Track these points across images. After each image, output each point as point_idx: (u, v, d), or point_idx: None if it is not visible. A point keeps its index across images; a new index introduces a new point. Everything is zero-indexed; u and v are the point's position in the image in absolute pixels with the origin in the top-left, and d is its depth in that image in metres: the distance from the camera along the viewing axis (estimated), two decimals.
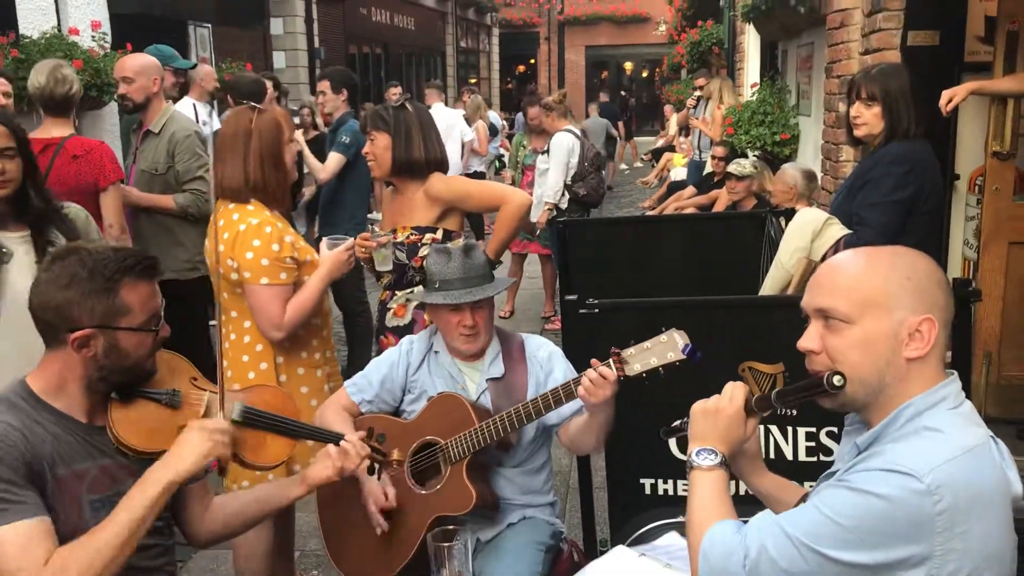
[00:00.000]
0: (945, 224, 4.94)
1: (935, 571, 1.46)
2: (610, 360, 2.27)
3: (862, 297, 1.59)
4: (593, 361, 2.30)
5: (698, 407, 1.83)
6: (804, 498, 1.87)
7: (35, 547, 1.73)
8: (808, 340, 1.65)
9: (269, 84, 6.71)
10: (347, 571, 2.65)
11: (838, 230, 3.50)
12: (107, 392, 1.97)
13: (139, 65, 4.52)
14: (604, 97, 20.23)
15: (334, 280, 3.02)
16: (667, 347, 2.21)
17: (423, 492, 2.54)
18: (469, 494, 2.46)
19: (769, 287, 4.13)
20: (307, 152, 5.63)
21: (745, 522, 1.63)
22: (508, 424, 2.44)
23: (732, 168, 6.38)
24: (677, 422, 1.99)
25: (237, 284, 2.87)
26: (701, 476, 1.74)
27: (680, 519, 2.40)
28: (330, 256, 2.98)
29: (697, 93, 9.86)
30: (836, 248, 3.46)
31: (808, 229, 4.03)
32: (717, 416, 1.79)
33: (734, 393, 1.81)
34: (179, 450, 1.89)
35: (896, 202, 3.38)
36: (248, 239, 2.81)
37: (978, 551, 1.47)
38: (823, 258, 3.90)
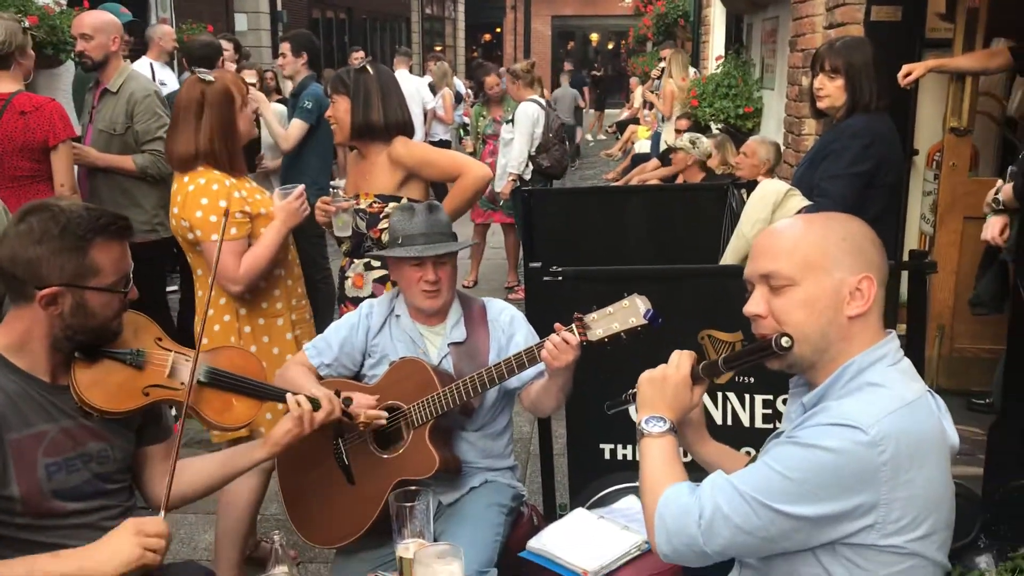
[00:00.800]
0: (903, 198, 5.02)
1: (881, 518, 1.53)
2: (573, 325, 2.29)
3: (802, 259, 1.65)
4: (556, 326, 2.32)
5: (645, 376, 1.86)
6: (753, 460, 1.92)
7: None
8: (754, 305, 1.71)
9: (230, 46, 6.61)
10: (311, 537, 2.64)
11: (799, 201, 3.55)
12: (71, 351, 1.95)
13: (98, 22, 4.43)
14: (569, 66, 20.18)
15: (291, 229, 3.02)
16: (629, 312, 2.23)
17: (386, 456, 2.54)
18: (432, 458, 2.47)
19: (730, 257, 4.19)
20: (271, 119, 5.53)
21: (698, 484, 1.67)
22: (471, 388, 2.45)
23: (679, 143, 6.52)
24: (622, 396, 2.03)
25: (194, 243, 2.95)
26: (651, 443, 1.77)
27: (638, 484, 2.44)
28: (281, 206, 3.00)
29: (662, 64, 9.89)
30: None
31: (769, 200, 4.08)
32: (664, 383, 1.82)
33: (680, 361, 1.84)
34: (104, 550, 1.79)
35: (856, 175, 3.42)
36: (196, 198, 2.88)
37: (921, 497, 1.55)
38: None
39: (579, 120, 16.68)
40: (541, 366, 2.43)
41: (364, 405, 2.49)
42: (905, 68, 3.96)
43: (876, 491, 1.51)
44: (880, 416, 1.52)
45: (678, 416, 1.82)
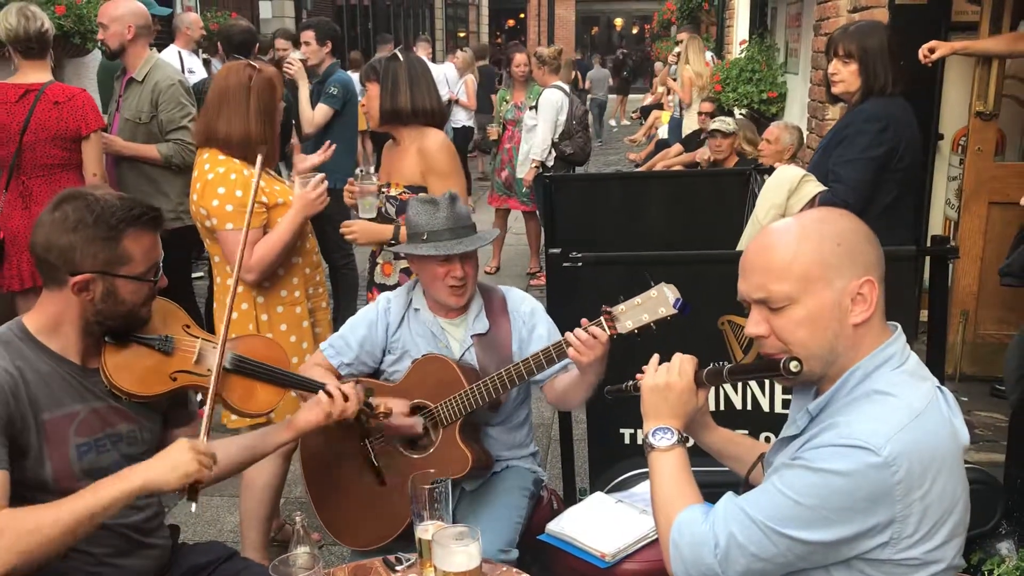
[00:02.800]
0: (928, 183, 4.98)
1: (897, 534, 1.50)
2: (601, 319, 2.24)
3: (799, 274, 1.56)
4: (583, 320, 2.28)
5: (648, 384, 1.81)
6: (760, 458, 1.91)
7: None
8: (754, 326, 1.64)
9: (288, 44, 6.63)
10: (345, 540, 2.64)
11: (814, 187, 3.54)
12: (102, 335, 2.00)
13: (114, 12, 4.47)
14: (597, 60, 20.57)
15: (306, 218, 3.04)
16: (658, 302, 2.19)
17: (416, 456, 2.53)
18: (465, 457, 2.46)
19: (746, 243, 4.18)
20: (304, 100, 5.53)
21: (713, 500, 1.65)
22: (500, 385, 2.42)
23: (717, 125, 6.36)
24: (623, 384, 2.00)
25: (211, 231, 2.99)
26: (660, 457, 1.74)
27: None
28: (299, 195, 3.03)
29: (677, 49, 9.81)
30: (812, 204, 3.50)
31: (784, 186, 4.07)
32: (668, 391, 1.78)
33: (683, 367, 1.80)
34: (165, 462, 1.85)
35: (870, 159, 3.40)
36: (214, 187, 2.92)
37: (937, 505, 1.52)
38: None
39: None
40: (567, 359, 2.43)
41: (399, 413, 2.48)
42: (929, 44, 3.92)
43: (891, 509, 1.48)
44: (891, 434, 1.47)
45: (684, 423, 1.79)
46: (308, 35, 5.87)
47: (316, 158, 3.52)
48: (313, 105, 5.77)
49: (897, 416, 1.50)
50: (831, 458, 1.49)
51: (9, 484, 1.77)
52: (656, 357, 1.87)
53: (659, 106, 13.91)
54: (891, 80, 3.43)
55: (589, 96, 17.38)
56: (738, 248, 4.28)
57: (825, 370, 1.61)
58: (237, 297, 3.03)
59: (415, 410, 2.55)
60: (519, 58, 7.42)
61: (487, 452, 2.60)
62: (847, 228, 1.62)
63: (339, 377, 2.64)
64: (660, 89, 10.21)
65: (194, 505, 1.94)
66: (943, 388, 1.64)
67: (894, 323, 1.66)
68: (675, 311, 2.18)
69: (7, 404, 1.81)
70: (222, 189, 2.91)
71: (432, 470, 2.43)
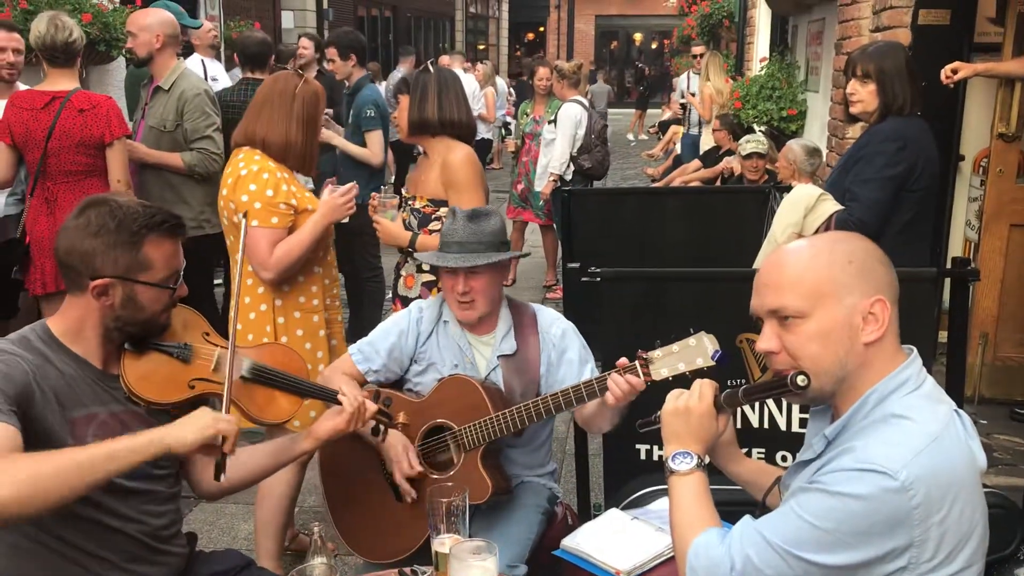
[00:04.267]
0: (948, 205, 4.96)
1: (915, 559, 1.49)
2: (636, 364, 2.23)
3: (810, 289, 1.58)
4: (620, 362, 2.26)
5: (669, 408, 1.82)
6: (777, 481, 1.91)
7: None
8: (765, 341, 1.65)
9: (311, 44, 6.64)
10: (360, 551, 2.64)
11: (831, 206, 3.53)
12: (122, 342, 2.02)
13: (143, 21, 4.52)
14: (602, 75, 20.90)
15: (330, 223, 3.06)
16: (696, 352, 2.17)
17: (436, 477, 2.52)
18: (486, 485, 2.45)
19: (762, 260, 4.18)
20: (352, 147, 5.48)
21: (728, 529, 1.64)
22: (527, 417, 2.41)
23: (754, 147, 6.31)
24: (652, 416, 1.98)
25: (236, 226, 3.00)
26: (679, 482, 1.74)
27: None
28: (325, 200, 3.06)
29: (694, 62, 9.80)
30: (828, 224, 3.49)
31: (801, 205, 4.06)
32: (688, 416, 1.78)
33: (703, 391, 1.80)
34: (186, 423, 1.87)
35: (887, 179, 3.39)
36: (246, 183, 2.96)
37: (954, 533, 1.51)
38: (816, 234, 3.95)
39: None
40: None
41: (404, 452, 2.50)
42: (952, 65, 3.91)
43: (909, 534, 1.47)
44: (908, 459, 1.47)
45: (705, 448, 1.79)
46: (331, 52, 5.87)
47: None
48: (346, 117, 5.76)
49: (914, 440, 1.50)
50: (848, 482, 1.49)
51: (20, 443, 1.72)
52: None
53: (677, 121, 13.91)
54: (909, 100, 3.42)
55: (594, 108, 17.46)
56: (755, 266, 4.29)
57: (835, 387, 1.61)
58: (255, 299, 3.07)
59: (437, 429, 2.54)
60: (542, 72, 7.43)
61: (507, 478, 2.59)
62: (859, 248, 1.63)
63: (363, 383, 2.66)
64: (677, 104, 10.18)
65: (222, 476, 1.97)
66: (960, 411, 1.63)
67: (909, 346, 1.66)
68: (712, 363, 2.15)
69: (30, 384, 1.83)
70: (253, 186, 2.94)
71: (450, 484, 2.44)
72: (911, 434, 1.52)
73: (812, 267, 1.60)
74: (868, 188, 3.42)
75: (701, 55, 9.72)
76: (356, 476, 2.62)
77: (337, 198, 3.04)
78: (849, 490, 1.48)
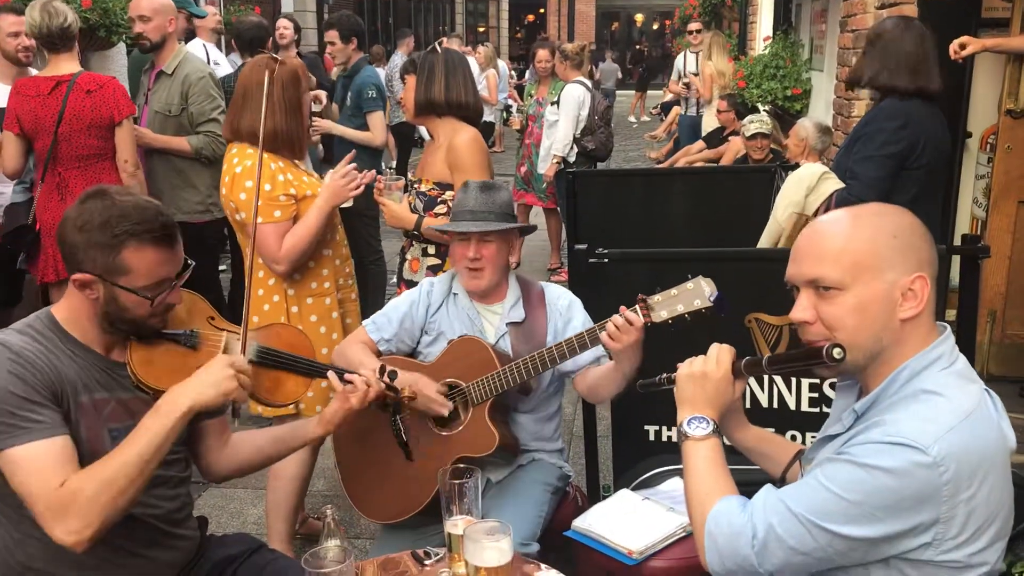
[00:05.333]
0: (955, 182, 4.94)
1: (941, 535, 1.48)
2: (636, 306, 2.26)
3: (852, 261, 1.55)
4: (621, 308, 2.29)
5: (684, 372, 1.80)
6: (798, 456, 1.89)
7: (51, 468, 1.76)
8: (801, 311, 1.61)
9: (290, 25, 6.63)
10: (368, 512, 2.68)
11: (833, 184, 3.53)
12: (124, 333, 2.00)
13: (156, 4, 4.49)
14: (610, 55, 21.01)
15: (334, 207, 3.04)
16: (694, 294, 2.20)
17: (444, 433, 2.56)
18: (492, 435, 2.49)
19: (765, 239, 4.19)
20: (352, 133, 5.46)
21: (747, 495, 1.63)
22: (531, 368, 2.45)
23: (758, 127, 6.29)
24: (656, 377, 1.98)
25: (241, 224, 3.01)
26: (695, 447, 1.71)
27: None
28: (326, 184, 3.04)
29: (694, 30, 9.72)
30: (828, 202, 3.48)
31: (804, 183, 4.06)
32: (705, 381, 1.76)
33: (720, 356, 1.78)
34: (202, 379, 1.90)
35: (887, 156, 3.38)
36: (242, 181, 2.94)
37: (983, 509, 1.49)
38: (816, 213, 3.95)
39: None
40: (599, 350, 2.43)
41: (427, 393, 2.49)
42: (960, 40, 3.89)
43: (936, 510, 1.46)
44: (940, 434, 1.45)
45: (719, 413, 1.77)
46: (331, 35, 5.81)
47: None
48: (341, 98, 5.75)
49: (946, 417, 1.49)
50: (878, 455, 1.47)
51: (75, 448, 1.81)
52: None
53: (679, 102, 13.85)
54: (901, 78, 3.42)
55: (601, 87, 17.73)
56: (759, 246, 4.27)
57: (867, 362, 1.59)
58: (268, 290, 3.06)
59: (447, 390, 2.58)
60: (542, 54, 7.39)
61: (514, 436, 2.62)
62: (903, 223, 1.61)
63: (378, 354, 2.71)
64: (676, 85, 10.04)
65: (236, 422, 1.97)
66: (990, 391, 1.61)
67: (943, 323, 1.63)
68: (711, 304, 2.18)
69: (46, 376, 1.83)
70: (249, 183, 2.91)
71: (463, 453, 2.47)
72: (943, 410, 1.50)
73: (855, 239, 1.57)
74: (867, 166, 3.41)
75: (698, 31, 9.65)
76: (367, 437, 2.63)
77: (338, 180, 3.01)
78: (879, 463, 1.46)
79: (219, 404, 1.92)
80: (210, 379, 1.90)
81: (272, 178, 2.94)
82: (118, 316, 1.94)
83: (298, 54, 6.44)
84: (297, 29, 6.60)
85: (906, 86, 3.44)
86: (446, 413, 2.54)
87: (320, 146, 5.68)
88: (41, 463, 1.76)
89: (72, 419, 1.87)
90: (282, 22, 6.81)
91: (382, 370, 2.31)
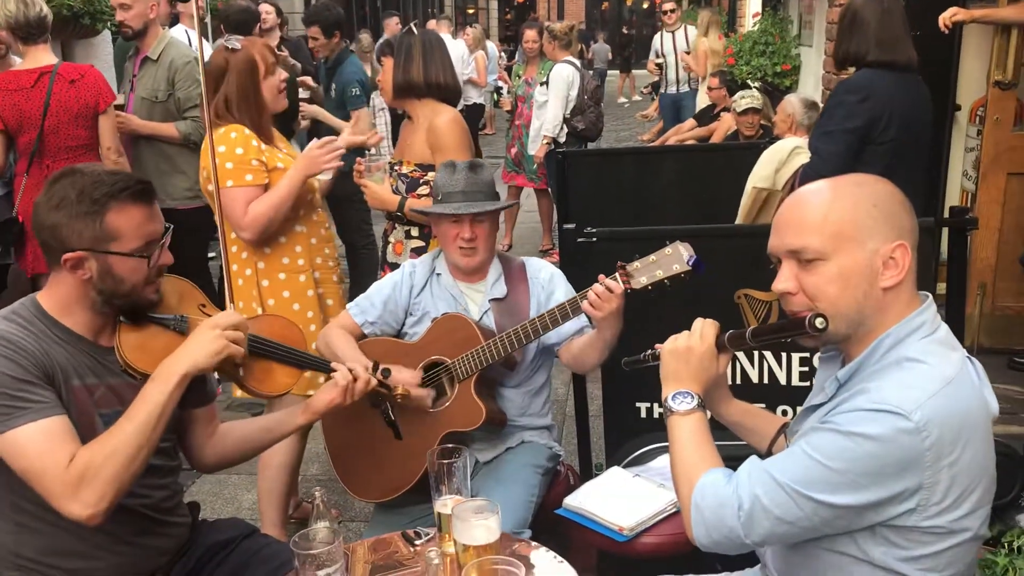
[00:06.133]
0: (944, 155, 4.93)
1: (924, 500, 1.49)
2: (616, 273, 2.28)
3: (833, 231, 1.56)
4: (600, 276, 2.31)
5: (668, 347, 1.80)
6: (783, 429, 1.90)
7: (58, 446, 1.77)
8: (783, 281, 1.63)
9: (272, 10, 6.60)
10: (358, 492, 2.70)
11: (803, 159, 3.52)
12: (114, 315, 1.99)
13: None
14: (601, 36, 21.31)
15: (308, 176, 3.01)
16: (672, 259, 2.21)
17: (432, 410, 2.58)
18: (479, 410, 2.51)
19: (740, 215, 4.21)
20: (338, 122, 5.43)
21: (734, 469, 1.63)
22: (515, 340, 2.47)
23: (749, 102, 6.26)
24: (640, 354, 1.98)
25: (212, 195, 2.95)
26: (680, 421, 1.72)
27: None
28: (303, 154, 3.02)
29: (668, 9, 9.68)
30: (795, 178, 3.48)
31: (775, 158, 4.06)
32: (689, 355, 1.76)
33: (704, 331, 1.78)
34: (192, 345, 1.91)
35: (847, 131, 3.36)
36: (215, 147, 2.89)
37: (964, 476, 1.51)
38: (785, 187, 3.96)
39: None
40: (582, 320, 2.44)
41: (408, 382, 2.49)
42: (950, 10, 3.88)
43: (919, 476, 1.47)
44: (922, 400, 1.46)
45: (704, 388, 1.77)
46: (314, 31, 5.80)
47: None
48: (326, 86, 5.74)
49: (929, 383, 1.50)
50: (861, 422, 1.48)
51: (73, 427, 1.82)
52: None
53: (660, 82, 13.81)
54: (865, 51, 3.41)
55: (594, 67, 17.84)
56: (737, 221, 4.28)
57: (850, 331, 1.60)
58: (240, 265, 3.05)
59: (432, 367, 2.59)
60: (529, 34, 7.36)
61: (501, 410, 2.63)
62: (883, 191, 1.61)
63: (361, 336, 2.72)
64: (652, 64, 9.97)
65: (241, 369, 2.05)
66: (973, 359, 1.62)
67: (925, 292, 1.64)
68: (689, 268, 2.19)
69: (39, 359, 1.83)
70: (222, 147, 2.89)
71: (450, 428, 2.48)
72: (925, 377, 1.51)
73: (836, 209, 1.58)
74: (827, 140, 3.40)
75: (672, 10, 9.61)
76: (356, 416, 2.63)
77: (314, 148, 2.99)
78: (862, 430, 1.47)
79: (213, 365, 1.92)
80: (199, 342, 1.91)
81: (245, 143, 2.92)
82: (114, 290, 1.92)
83: (283, 38, 6.39)
84: (280, 14, 6.57)
85: (873, 59, 3.41)
86: (429, 403, 2.54)
87: (306, 129, 5.68)
88: (48, 441, 1.76)
89: (64, 403, 1.86)
90: (264, 7, 6.77)
91: (375, 366, 2.31)
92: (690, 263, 2.18)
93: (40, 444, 1.76)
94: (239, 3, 6.01)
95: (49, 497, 1.76)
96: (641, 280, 2.25)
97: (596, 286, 2.29)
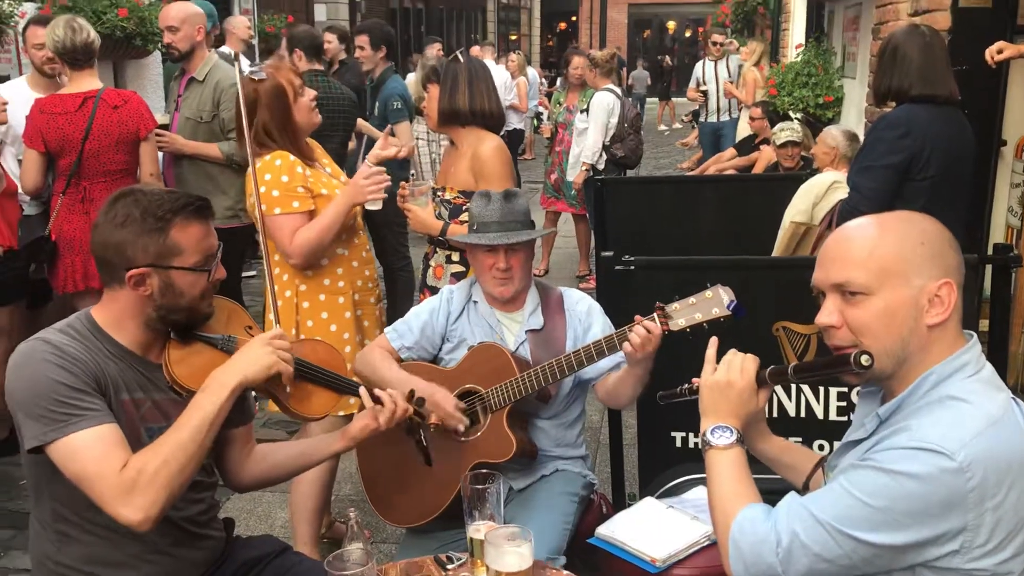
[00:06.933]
0: (989, 191, 4.87)
1: (968, 543, 1.46)
2: (654, 315, 2.27)
3: (879, 267, 1.56)
4: (637, 316, 2.30)
5: (707, 381, 1.79)
6: (820, 464, 1.88)
7: (112, 452, 1.81)
8: (827, 315, 1.62)
9: (334, 37, 6.71)
10: (387, 516, 2.70)
11: (841, 194, 3.49)
12: (165, 331, 2.04)
13: (184, 14, 4.55)
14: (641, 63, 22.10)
15: (354, 205, 3.05)
16: (712, 303, 2.21)
17: (464, 439, 2.57)
18: (510, 442, 2.50)
19: (778, 247, 4.17)
20: (380, 133, 5.53)
21: (771, 504, 1.62)
22: (549, 374, 2.46)
23: (789, 135, 6.24)
24: (676, 388, 1.98)
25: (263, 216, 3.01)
26: (719, 456, 1.71)
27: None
28: (349, 182, 3.06)
29: (718, 41, 9.69)
30: (833, 213, 3.44)
31: (812, 192, 4.03)
32: (729, 390, 1.76)
33: (745, 365, 1.77)
34: (244, 358, 1.96)
35: (887, 167, 3.32)
36: (260, 174, 2.96)
37: (1010, 517, 1.48)
38: (823, 223, 3.92)
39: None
40: (618, 356, 2.43)
41: (445, 404, 2.51)
42: (997, 45, 3.84)
43: (963, 517, 1.45)
44: (966, 439, 1.44)
45: (743, 423, 1.76)
46: (363, 39, 5.90)
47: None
48: (370, 108, 5.81)
49: (973, 423, 1.47)
50: (903, 460, 1.46)
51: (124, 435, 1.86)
52: (713, 346, 1.85)
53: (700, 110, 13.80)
54: (908, 85, 3.38)
55: (633, 92, 18.09)
56: (774, 254, 4.25)
57: (894, 369, 1.58)
58: (281, 286, 3.09)
59: (466, 395, 2.59)
60: (576, 61, 7.39)
61: (532, 442, 2.62)
62: (931, 229, 1.61)
63: (399, 360, 2.73)
64: (693, 91, 9.97)
65: (288, 387, 2.07)
66: (1018, 400, 1.60)
67: (970, 331, 1.63)
68: (728, 313, 2.19)
69: (92, 370, 1.88)
70: (268, 175, 2.95)
71: (481, 459, 2.48)
72: (970, 416, 1.49)
73: (882, 244, 1.58)
74: (867, 176, 3.36)
75: (721, 44, 9.63)
76: (390, 441, 2.63)
77: (360, 179, 3.03)
78: (904, 468, 1.45)
79: (263, 379, 1.97)
80: (250, 356, 1.97)
81: (291, 170, 2.97)
82: (173, 305, 1.98)
83: (342, 61, 6.50)
84: (342, 39, 6.65)
85: (915, 93, 3.39)
86: (462, 428, 2.54)
87: (360, 152, 5.75)
88: (102, 447, 1.81)
89: (113, 414, 1.90)
90: (328, 35, 6.89)
91: (411, 395, 2.32)
92: (730, 308, 2.18)
93: (95, 449, 1.80)
94: (303, 26, 6.11)
95: (102, 501, 1.79)
96: (679, 322, 2.24)
97: (637, 327, 2.29)
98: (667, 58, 26.87)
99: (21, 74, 6.05)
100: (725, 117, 9.50)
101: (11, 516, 3.81)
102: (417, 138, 6.78)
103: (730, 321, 2.21)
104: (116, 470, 1.79)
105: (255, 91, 3.02)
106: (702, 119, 9.90)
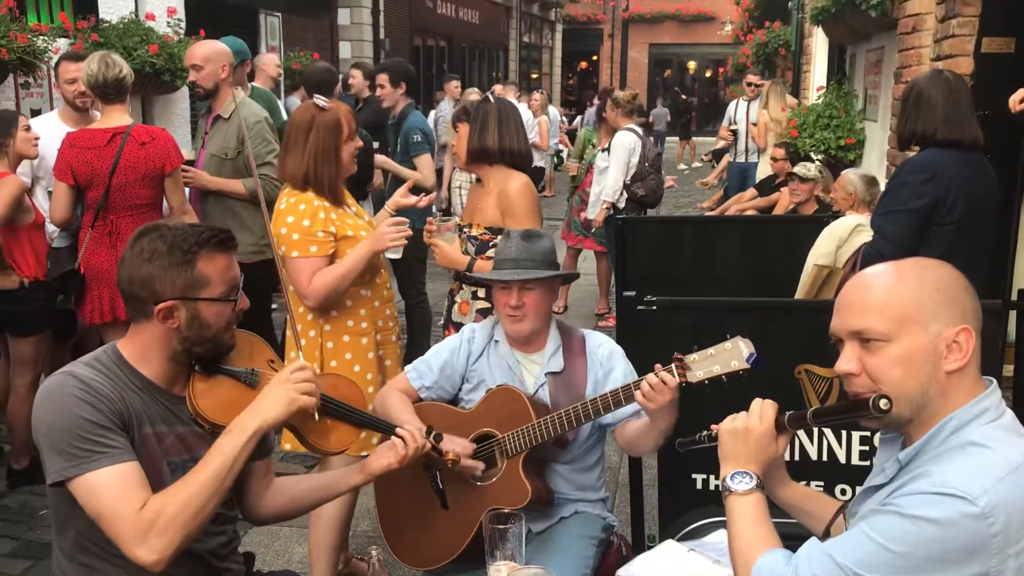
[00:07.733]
0: (1012, 235, 4.85)
1: None
2: (672, 365, 2.24)
3: (896, 313, 1.56)
4: (656, 366, 2.28)
5: (727, 427, 1.80)
6: (841, 510, 1.87)
7: (131, 491, 1.83)
8: (846, 363, 1.62)
9: (359, 73, 6.80)
10: (403, 558, 2.68)
11: (865, 237, 3.48)
12: (189, 364, 2.06)
13: (208, 52, 4.62)
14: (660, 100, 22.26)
15: (375, 252, 3.08)
16: (731, 355, 2.18)
17: (479, 484, 2.56)
18: (525, 489, 2.48)
19: (800, 291, 4.16)
20: (405, 171, 5.62)
21: (790, 548, 1.61)
22: (566, 422, 2.45)
23: (796, 170, 6.29)
24: (696, 435, 1.98)
25: (283, 258, 3.07)
26: (739, 501, 1.71)
27: None
28: (375, 231, 3.10)
29: (753, 82, 9.73)
30: (856, 256, 3.43)
31: (835, 235, 4.02)
32: (748, 435, 1.76)
33: (764, 411, 1.78)
34: (265, 401, 1.98)
35: (910, 211, 3.32)
36: (284, 216, 3.02)
37: None
38: (848, 266, 3.91)
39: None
40: (636, 404, 2.43)
41: (461, 452, 2.49)
42: (1020, 93, 3.85)
43: (986, 563, 1.43)
44: (988, 485, 1.43)
45: (763, 469, 1.77)
46: (382, 78, 6.00)
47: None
48: (393, 144, 5.88)
49: (994, 468, 1.47)
50: (924, 505, 1.45)
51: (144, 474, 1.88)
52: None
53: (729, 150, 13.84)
54: (932, 130, 3.39)
55: (654, 129, 18.32)
56: (796, 296, 4.24)
57: (913, 414, 1.58)
58: (305, 326, 3.13)
59: (482, 438, 2.58)
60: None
61: (549, 488, 2.60)
62: (946, 275, 1.61)
63: (417, 400, 2.73)
64: (726, 131, 10.02)
65: (317, 415, 2.09)
66: None
67: (989, 377, 1.62)
68: (748, 366, 2.16)
69: (116, 406, 1.90)
70: (291, 218, 3.00)
71: (495, 505, 2.46)
72: (990, 462, 1.48)
73: (898, 291, 1.59)
74: (891, 221, 3.36)
75: (758, 85, 9.65)
76: (406, 483, 2.64)
77: (385, 228, 3.06)
78: (925, 514, 1.44)
79: (289, 417, 2.00)
80: (270, 398, 1.98)
81: (313, 215, 3.01)
82: (199, 337, 2.00)
83: (367, 99, 6.60)
84: (367, 76, 6.75)
85: (940, 138, 3.39)
86: (478, 473, 2.53)
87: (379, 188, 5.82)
88: (122, 486, 1.83)
89: (135, 448, 1.92)
90: (353, 71, 7.00)
91: (429, 430, 2.33)
92: (749, 360, 2.15)
93: (114, 488, 1.81)
94: (320, 64, 6.22)
95: (118, 540, 1.81)
96: (698, 374, 2.21)
97: (651, 377, 2.26)
98: (684, 96, 27.03)
99: (52, 108, 6.18)
100: (754, 158, 9.52)
101: (29, 546, 3.83)
102: (459, 186, 6.85)
103: (749, 372, 2.19)
104: (135, 510, 1.80)
105: (312, 117, 3.07)
106: (731, 159, 9.91)
